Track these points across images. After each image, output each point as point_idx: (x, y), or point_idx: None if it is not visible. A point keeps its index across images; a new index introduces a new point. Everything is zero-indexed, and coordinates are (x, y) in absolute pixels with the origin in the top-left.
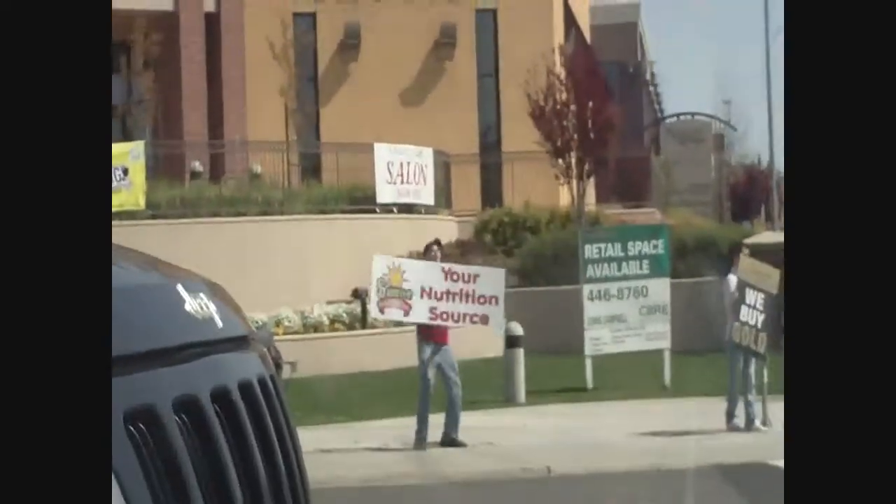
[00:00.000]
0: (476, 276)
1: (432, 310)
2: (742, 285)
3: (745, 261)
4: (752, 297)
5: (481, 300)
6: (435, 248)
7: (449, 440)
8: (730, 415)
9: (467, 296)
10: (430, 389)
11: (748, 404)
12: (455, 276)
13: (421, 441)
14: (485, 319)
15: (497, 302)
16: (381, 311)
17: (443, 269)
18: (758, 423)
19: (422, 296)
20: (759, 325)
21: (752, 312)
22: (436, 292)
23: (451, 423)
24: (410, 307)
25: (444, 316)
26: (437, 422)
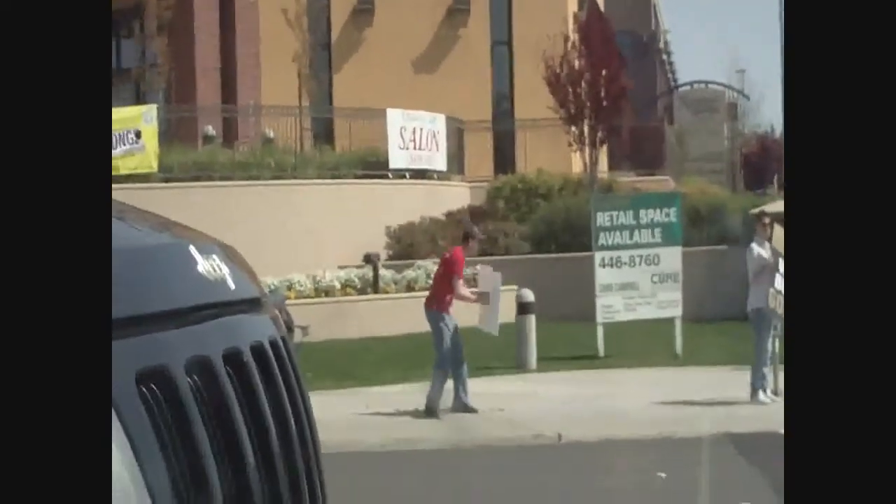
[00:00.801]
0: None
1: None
2: (776, 254)
3: (778, 231)
4: (783, 267)
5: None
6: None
7: (461, 406)
8: (756, 386)
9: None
10: (448, 360)
11: (761, 376)
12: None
13: (434, 410)
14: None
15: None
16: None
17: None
18: (762, 395)
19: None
20: None
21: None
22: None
23: (462, 390)
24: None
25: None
26: (446, 388)
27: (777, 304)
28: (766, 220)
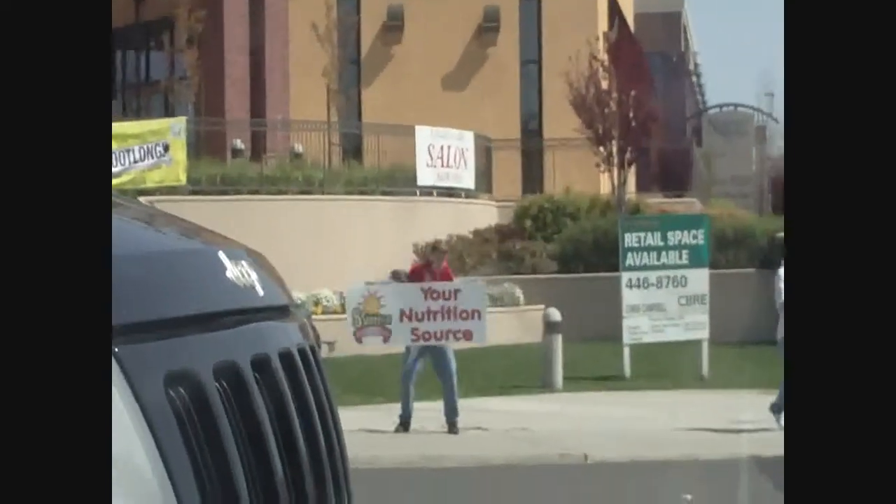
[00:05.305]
0: (457, 291)
1: (414, 331)
2: None
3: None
4: None
5: (463, 315)
6: (443, 246)
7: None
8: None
9: (449, 312)
10: (412, 375)
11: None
12: (435, 295)
13: (404, 424)
14: (468, 335)
15: (479, 316)
16: (359, 340)
17: (422, 289)
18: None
19: (402, 319)
20: None
21: None
22: (416, 313)
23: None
24: (391, 332)
25: (427, 336)
26: (469, 406)
27: None
28: None
